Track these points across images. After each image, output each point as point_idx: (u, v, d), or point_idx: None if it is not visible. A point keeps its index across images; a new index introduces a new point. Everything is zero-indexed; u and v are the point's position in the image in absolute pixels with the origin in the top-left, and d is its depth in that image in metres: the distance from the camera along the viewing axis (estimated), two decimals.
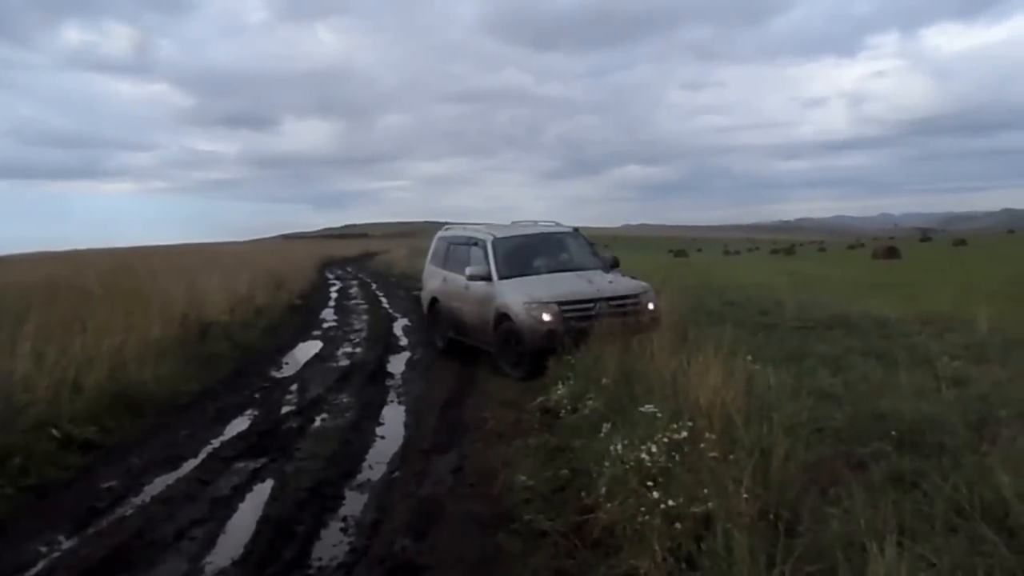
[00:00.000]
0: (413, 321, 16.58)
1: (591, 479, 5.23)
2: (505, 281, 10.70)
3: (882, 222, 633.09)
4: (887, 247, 46.39)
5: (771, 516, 3.91)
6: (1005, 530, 3.61)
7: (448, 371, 10.90)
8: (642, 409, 5.54)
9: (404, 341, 14.10)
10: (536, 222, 13.02)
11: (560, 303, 9.86)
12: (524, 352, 9.86)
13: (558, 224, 12.82)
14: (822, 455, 5.03)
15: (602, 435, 5.72)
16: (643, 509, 4.32)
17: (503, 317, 10.29)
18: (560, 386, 7.89)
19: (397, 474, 6.41)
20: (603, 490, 4.89)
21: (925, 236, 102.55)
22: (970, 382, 7.20)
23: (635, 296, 10.21)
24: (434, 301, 12.85)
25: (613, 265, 11.70)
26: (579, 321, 9.56)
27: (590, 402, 6.90)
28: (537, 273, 10.99)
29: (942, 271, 27.48)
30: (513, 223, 13.03)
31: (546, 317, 9.75)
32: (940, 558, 3.34)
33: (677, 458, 4.69)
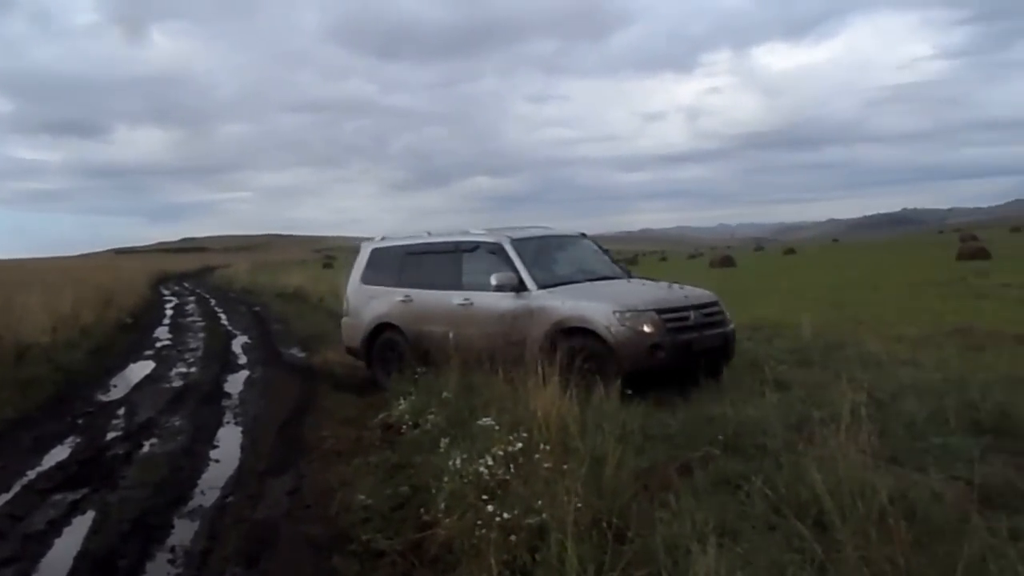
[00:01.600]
0: (253, 338, 16.06)
1: (431, 495, 5.17)
2: (552, 290, 8.53)
3: (720, 232, 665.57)
4: (723, 256, 48.97)
5: (603, 524, 3.97)
6: (819, 525, 3.79)
7: (288, 389, 10.56)
8: (480, 422, 5.54)
9: (243, 359, 13.61)
10: (467, 230, 10.43)
11: (659, 311, 7.97)
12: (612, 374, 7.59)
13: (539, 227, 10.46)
14: (655, 461, 5.18)
15: (442, 450, 5.68)
16: (480, 523, 4.29)
17: (569, 332, 8.08)
18: (402, 401, 7.79)
19: (231, 499, 6.14)
20: (442, 506, 4.84)
21: (758, 246, 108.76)
22: (792, 385, 7.61)
23: (717, 304, 8.70)
24: (381, 329, 10.16)
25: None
26: (678, 334, 7.94)
27: (431, 417, 6.85)
28: (575, 281, 8.96)
29: (772, 279, 29.08)
30: (427, 233, 10.48)
31: (647, 328, 7.79)
32: (757, 556, 3.48)
33: (513, 470, 4.70)
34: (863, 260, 40.98)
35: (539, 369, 6.88)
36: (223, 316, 22.04)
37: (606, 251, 10.43)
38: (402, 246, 10.46)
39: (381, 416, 7.87)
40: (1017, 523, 3.91)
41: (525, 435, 4.93)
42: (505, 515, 4.17)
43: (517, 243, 9.05)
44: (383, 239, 10.91)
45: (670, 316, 7.96)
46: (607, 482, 4.37)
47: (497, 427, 5.35)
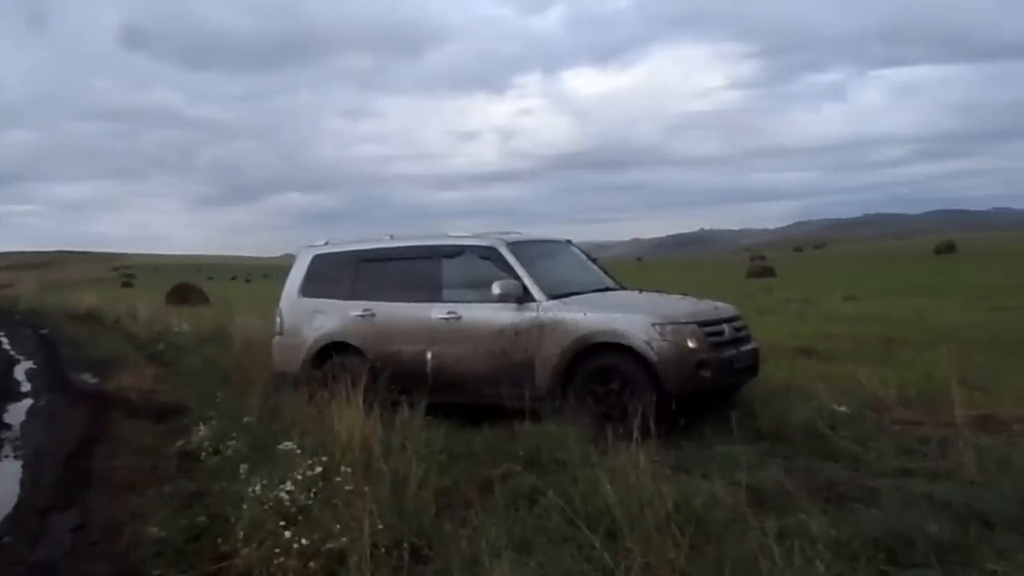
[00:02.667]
0: (39, 363, 14.89)
1: (229, 524, 4.98)
2: (565, 301, 7.52)
3: None
4: None
5: (404, 544, 3.98)
6: (610, 535, 3.97)
7: (77, 418, 9.82)
8: (282, 446, 5.41)
9: (27, 387, 12.57)
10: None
11: (700, 324, 7.12)
12: (649, 399, 6.53)
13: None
14: (457, 479, 5.24)
15: (242, 476, 5.49)
16: (279, 551, 4.19)
17: (594, 350, 7.11)
18: (202, 427, 7.46)
19: (6, 539, 5.65)
20: (241, 535, 4.67)
21: None
22: None
23: (742, 318, 7.97)
24: (329, 350, 8.59)
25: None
26: (720, 350, 7.15)
27: (232, 443, 6.60)
28: (582, 291, 8.01)
29: None
30: (388, 236, 9.14)
31: (691, 344, 6.89)
32: (551, 568, 3.61)
33: (314, 494, 4.62)
34: (662, 279, 43.21)
35: (553, 394, 7.07)
36: (4, 340, 20.29)
37: (594, 259, 9.56)
38: (356, 251, 8.99)
39: (179, 443, 7.49)
40: (786, 522, 4.25)
41: (325, 458, 4.86)
42: (304, 541, 4.10)
43: (514, 247, 7.93)
44: (327, 243, 9.34)
45: (710, 330, 7.16)
46: (409, 502, 4.39)
47: (299, 451, 5.24)
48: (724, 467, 5.36)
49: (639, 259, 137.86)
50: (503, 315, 7.55)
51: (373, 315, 8.37)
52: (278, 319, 9.25)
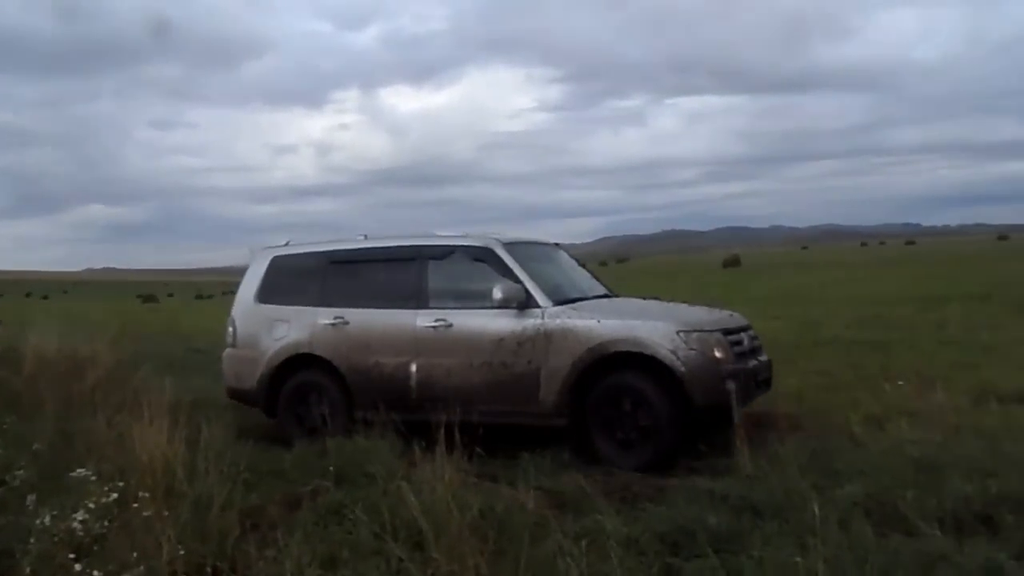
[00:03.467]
0: None
1: (15, 561, 4.68)
2: (574, 306, 6.98)
3: None
4: None
5: (207, 569, 3.91)
6: (418, 546, 4.06)
7: None
8: (75, 473, 5.14)
9: None
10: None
11: (725, 332, 6.73)
12: (674, 414, 6.35)
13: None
14: (265, 498, 5.17)
15: (30, 508, 5.16)
16: None
17: (611, 361, 6.56)
18: None
19: None
20: (28, 570, 4.41)
21: None
22: None
23: (752, 327, 7.50)
24: (294, 364, 7.75)
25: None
26: (743, 360, 6.75)
27: (20, 472, 6.17)
28: (585, 297, 7.46)
29: None
30: (362, 236, 8.23)
31: (719, 353, 6.44)
32: None
33: (109, 522, 4.44)
34: None
35: (560, 410, 6.67)
36: None
37: (583, 264, 8.92)
38: (324, 252, 8.06)
39: None
40: (584, 523, 4.52)
41: (123, 484, 4.67)
42: (97, 573, 3.93)
43: (511, 247, 7.28)
44: (288, 244, 8.40)
45: (733, 339, 6.75)
46: (212, 524, 4.31)
47: (95, 477, 5.00)
48: (528, 474, 5.56)
49: None
50: (502, 322, 6.90)
51: (346, 323, 7.56)
52: (230, 329, 8.29)
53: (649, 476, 5.98)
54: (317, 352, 7.62)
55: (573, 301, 7.10)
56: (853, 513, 4.41)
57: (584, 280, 8.19)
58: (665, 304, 7.81)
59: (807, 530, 3.94)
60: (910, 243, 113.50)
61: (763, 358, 7.21)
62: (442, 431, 4.93)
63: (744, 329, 7.13)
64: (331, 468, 5.62)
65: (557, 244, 8.92)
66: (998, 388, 8.03)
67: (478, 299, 7.10)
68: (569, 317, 6.77)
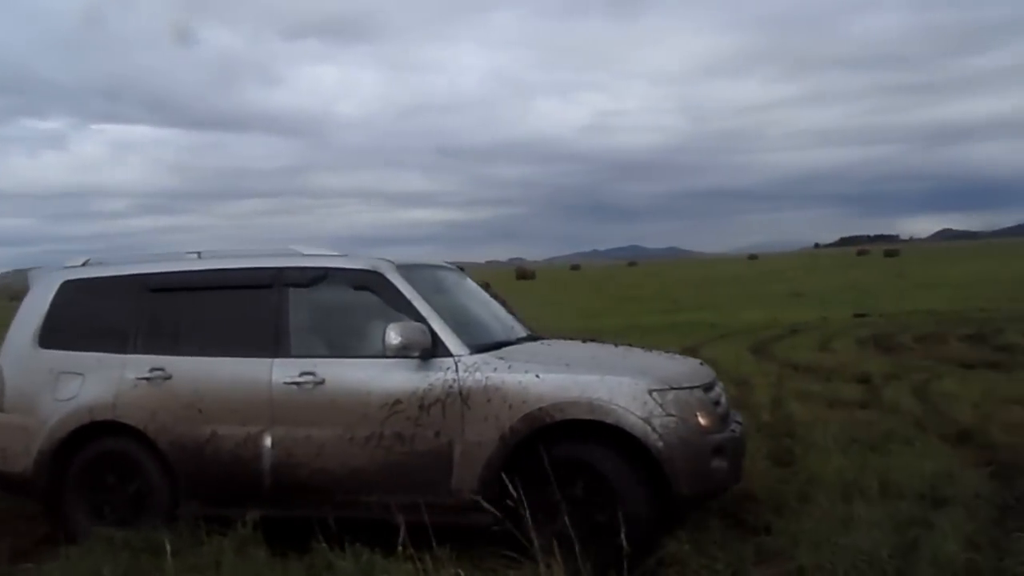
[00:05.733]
0: None
1: None
2: (499, 355, 5.02)
3: None
4: None
5: None
6: None
7: None
8: None
9: None
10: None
11: (704, 388, 4.99)
12: (645, 510, 4.54)
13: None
14: None
15: None
16: None
17: (557, 432, 4.67)
18: None
19: None
20: None
21: None
22: None
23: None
24: (88, 435, 5.39)
25: None
26: (724, 426, 4.99)
27: None
28: (508, 342, 5.52)
29: None
30: (196, 254, 5.89)
31: (702, 419, 4.72)
32: None
33: None
34: None
35: (480, 502, 4.44)
36: None
37: (496, 295, 6.84)
38: (139, 277, 5.69)
39: None
40: None
41: None
42: None
43: (407, 272, 5.31)
44: (87, 264, 5.91)
45: (713, 398, 5.03)
46: None
47: None
48: None
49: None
50: (398, 377, 4.91)
51: (168, 377, 5.31)
52: (5, 387, 5.67)
53: None
54: (124, 419, 5.31)
55: (497, 347, 5.22)
56: None
57: (503, 317, 6.23)
58: (618, 350, 5.91)
59: None
60: None
61: (740, 420, 5.45)
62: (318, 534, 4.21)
63: (716, 382, 5.32)
64: None
65: (461, 268, 6.85)
66: None
67: (361, 344, 5.21)
68: (495, 370, 4.82)
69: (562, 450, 4.64)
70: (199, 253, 5.80)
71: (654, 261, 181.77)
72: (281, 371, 5.10)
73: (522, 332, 6.00)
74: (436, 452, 4.80)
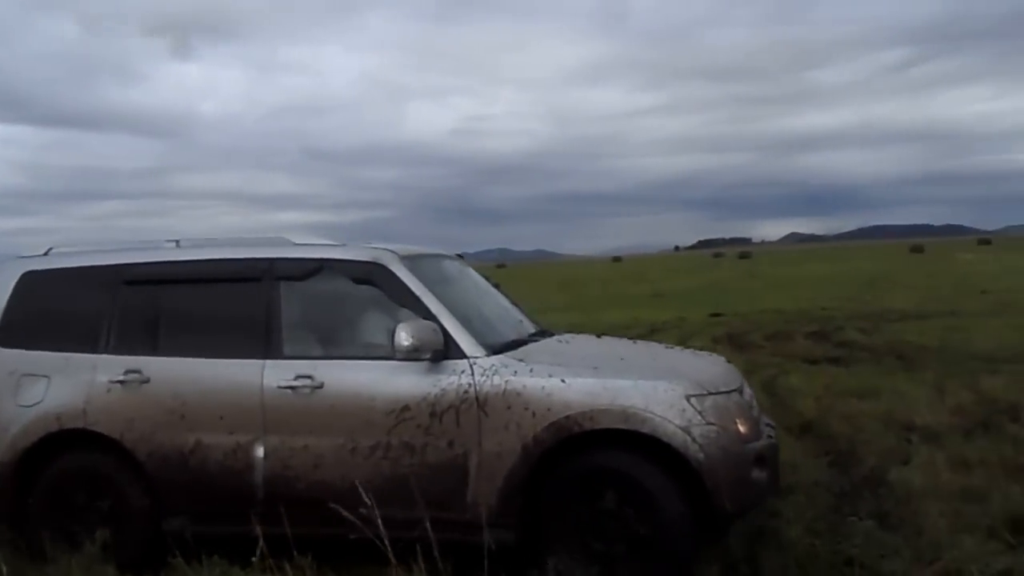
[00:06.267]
0: None
1: None
2: (516, 355, 4.58)
3: None
4: None
5: None
6: None
7: None
8: None
9: None
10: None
11: (741, 392, 4.65)
12: (687, 524, 4.17)
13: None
14: None
15: None
16: None
17: (584, 443, 4.27)
18: None
19: None
20: None
21: None
22: None
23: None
24: (54, 445, 4.86)
25: None
26: (762, 433, 4.65)
27: None
28: (523, 341, 5.03)
29: None
30: (174, 243, 5.44)
31: (741, 427, 4.33)
32: None
33: None
34: None
35: (502, 519, 4.20)
36: None
37: (496, 285, 6.21)
38: (112, 268, 5.17)
39: None
40: None
41: None
42: None
43: (414, 263, 4.88)
44: (50, 253, 5.39)
45: (748, 401, 4.72)
46: None
47: None
48: None
49: None
50: (406, 381, 4.49)
51: (146, 381, 4.82)
52: None
53: None
54: (97, 428, 4.81)
55: (514, 346, 4.79)
56: None
57: (513, 312, 5.78)
58: (644, 348, 5.60)
59: None
60: None
61: (771, 424, 5.06)
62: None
63: (744, 384, 4.95)
64: None
65: (460, 256, 6.34)
66: None
67: (363, 345, 4.80)
68: (515, 373, 4.40)
69: (594, 456, 4.31)
70: (177, 242, 5.36)
71: (522, 263, 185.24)
72: (274, 374, 4.66)
73: (532, 327, 5.59)
74: (450, 464, 4.39)
